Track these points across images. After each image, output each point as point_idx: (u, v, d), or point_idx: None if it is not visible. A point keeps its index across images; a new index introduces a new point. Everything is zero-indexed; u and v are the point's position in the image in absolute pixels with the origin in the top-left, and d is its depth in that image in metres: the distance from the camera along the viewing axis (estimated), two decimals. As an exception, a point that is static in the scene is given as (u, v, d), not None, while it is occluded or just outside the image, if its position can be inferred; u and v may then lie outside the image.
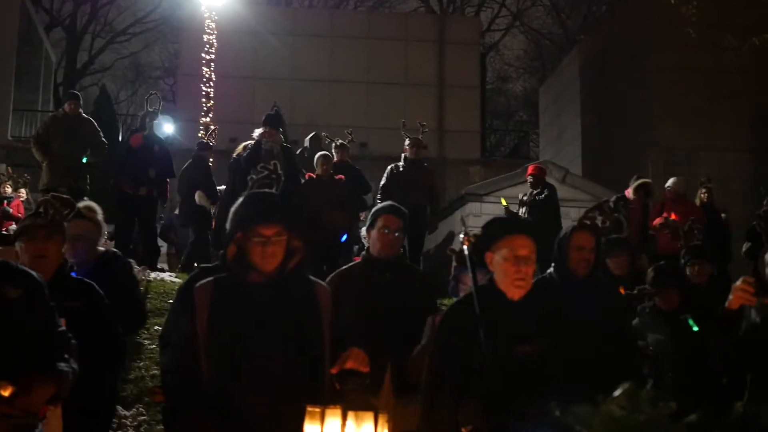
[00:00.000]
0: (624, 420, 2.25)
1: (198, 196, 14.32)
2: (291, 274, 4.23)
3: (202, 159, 15.10)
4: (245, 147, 12.67)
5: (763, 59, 22.18)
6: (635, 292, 7.07)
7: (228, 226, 4.29)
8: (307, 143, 15.79)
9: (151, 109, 13.98)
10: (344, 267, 6.47)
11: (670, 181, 13.12)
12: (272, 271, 4.17)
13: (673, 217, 12.35)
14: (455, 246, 6.66)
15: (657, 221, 12.48)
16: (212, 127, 18.82)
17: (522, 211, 13.32)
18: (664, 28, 24.49)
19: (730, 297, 4.90)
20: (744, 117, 24.38)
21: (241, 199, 4.35)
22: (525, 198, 13.55)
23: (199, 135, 19.37)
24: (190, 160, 14.88)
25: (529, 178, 13.74)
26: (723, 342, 5.02)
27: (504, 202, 13.08)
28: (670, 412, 2.43)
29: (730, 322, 4.94)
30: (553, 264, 6.16)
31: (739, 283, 4.88)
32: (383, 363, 5.88)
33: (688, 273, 7.76)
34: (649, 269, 7.31)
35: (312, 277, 4.41)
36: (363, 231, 7.51)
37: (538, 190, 13.48)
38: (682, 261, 8.03)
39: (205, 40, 21.51)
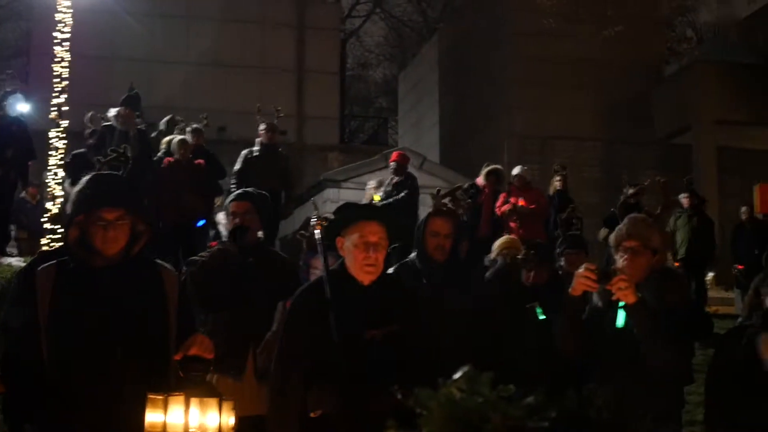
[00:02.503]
0: (462, 402, 2.28)
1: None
2: (136, 258, 4.15)
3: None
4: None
5: (616, 51, 22.88)
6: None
7: (69, 208, 4.19)
8: (162, 126, 15.53)
9: (8, 90, 13.61)
10: (203, 253, 6.39)
11: (516, 169, 13.36)
12: (115, 255, 4.08)
13: (520, 203, 12.60)
14: (307, 230, 6.66)
15: (505, 208, 12.70)
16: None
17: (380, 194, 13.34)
18: (522, 18, 25.00)
19: (573, 283, 5.02)
20: (597, 107, 25.09)
21: (83, 182, 4.23)
22: (387, 186, 13.54)
23: (51, 116, 18.80)
24: None
25: (392, 165, 13.73)
26: (565, 326, 5.15)
27: (377, 198, 13.03)
28: (509, 394, 2.49)
29: (573, 307, 5.07)
30: (415, 250, 6.25)
31: (581, 270, 5.01)
32: (246, 347, 5.88)
33: (563, 262, 7.67)
34: (526, 246, 7.30)
35: (158, 261, 4.33)
36: (219, 216, 7.46)
37: (401, 177, 13.49)
38: (558, 250, 7.98)
39: (58, 18, 20.88)
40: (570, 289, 5.04)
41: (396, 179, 13.36)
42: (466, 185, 13.12)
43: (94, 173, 4.58)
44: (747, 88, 22.90)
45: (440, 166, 22.11)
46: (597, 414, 2.83)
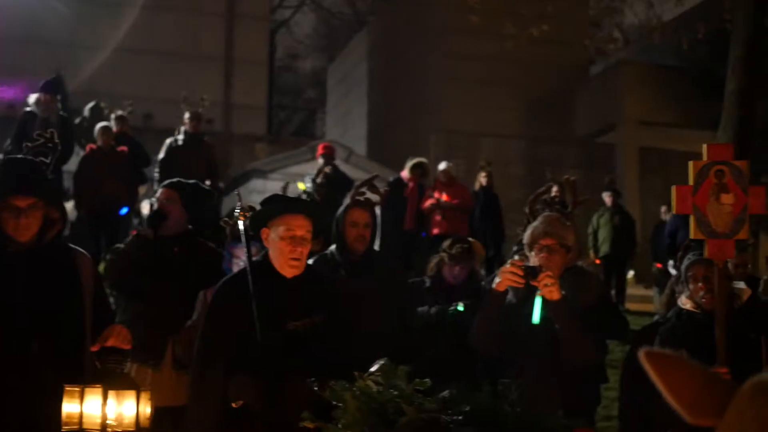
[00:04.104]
0: (378, 395, 2.32)
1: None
2: (50, 244, 4.11)
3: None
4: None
5: (542, 49, 23.09)
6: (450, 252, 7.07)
7: None
8: (86, 113, 15.31)
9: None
10: (126, 242, 6.32)
11: (441, 165, 13.42)
12: (27, 242, 4.04)
13: (444, 198, 12.66)
14: (230, 219, 6.61)
15: (428, 203, 12.76)
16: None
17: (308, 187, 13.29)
18: (450, 15, 25.11)
19: (498, 279, 5.07)
20: (522, 104, 25.35)
21: None
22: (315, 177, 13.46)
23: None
24: None
25: (321, 159, 13.64)
26: (485, 321, 5.20)
27: (302, 187, 12.96)
28: (425, 387, 2.53)
29: (495, 303, 5.12)
30: (334, 242, 6.25)
31: (507, 266, 5.07)
32: (165, 336, 5.84)
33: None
34: (453, 241, 7.29)
35: (73, 246, 4.29)
36: (143, 204, 7.38)
37: (330, 169, 13.40)
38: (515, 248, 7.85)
39: (-26, -1, 20.48)
40: (494, 285, 5.09)
41: (326, 171, 13.27)
42: (390, 179, 13.18)
43: (6, 158, 4.52)
44: (670, 91, 23.31)
45: (367, 159, 22.16)
46: (510, 408, 2.89)
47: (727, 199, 4.92)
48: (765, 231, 20.92)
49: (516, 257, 6.43)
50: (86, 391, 3.49)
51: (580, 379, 5.18)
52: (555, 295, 4.91)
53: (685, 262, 5.25)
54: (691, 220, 5.02)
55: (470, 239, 8.28)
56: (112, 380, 3.61)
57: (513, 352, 5.08)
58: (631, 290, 16.12)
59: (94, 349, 3.89)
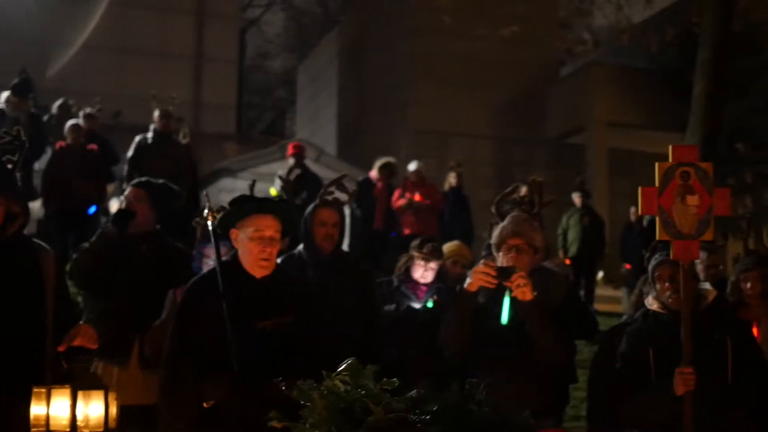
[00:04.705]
0: (345, 394, 2.33)
1: None
2: (11, 239, 4.07)
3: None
4: None
5: (512, 50, 23.21)
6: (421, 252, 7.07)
7: None
8: (55, 110, 15.21)
9: None
10: (92, 241, 6.28)
11: (412, 165, 13.42)
12: None
13: (416, 198, 12.67)
14: (200, 219, 6.60)
15: (401, 202, 12.75)
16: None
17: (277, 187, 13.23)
18: (421, 15, 25.17)
19: (469, 279, 5.08)
20: (493, 105, 25.43)
21: None
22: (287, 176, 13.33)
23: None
24: None
25: (291, 158, 13.56)
26: (454, 321, 5.22)
27: (273, 192, 12.89)
28: (393, 387, 2.54)
29: (467, 302, 5.13)
30: (302, 242, 6.25)
31: (480, 266, 5.09)
32: (133, 335, 5.82)
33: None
34: (422, 240, 7.30)
35: (36, 241, 4.26)
36: (111, 203, 7.35)
37: (299, 170, 13.31)
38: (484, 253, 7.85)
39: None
40: (466, 285, 5.10)
41: (296, 171, 13.17)
42: (360, 179, 13.17)
43: None
44: (639, 92, 23.46)
45: (337, 159, 22.14)
46: (478, 408, 2.91)
47: (692, 200, 4.96)
48: (732, 233, 21.10)
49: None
50: (53, 391, 3.46)
51: (549, 380, 5.20)
52: (528, 295, 4.93)
53: (652, 262, 5.29)
54: (657, 221, 5.06)
55: (458, 243, 8.33)
56: (78, 380, 3.58)
57: (482, 352, 5.09)
58: (600, 291, 16.22)
59: (61, 349, 3.86)
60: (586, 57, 29.58)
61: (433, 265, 6.96)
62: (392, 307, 6.83)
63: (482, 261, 5.22)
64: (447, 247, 7.98)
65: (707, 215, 4.97)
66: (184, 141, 13.63)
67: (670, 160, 5.04)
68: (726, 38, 15.55)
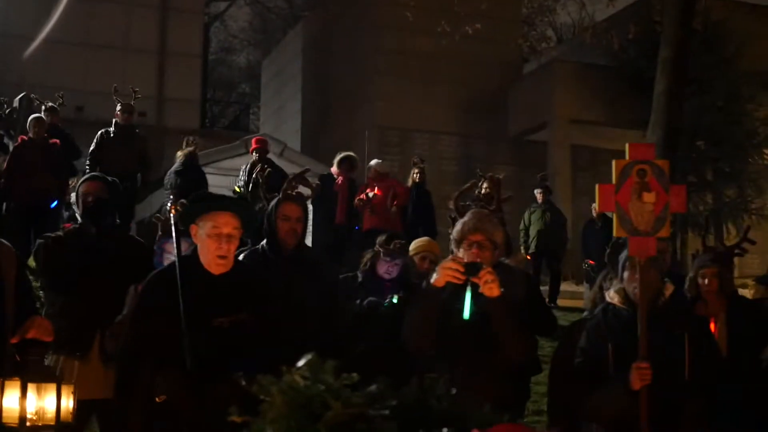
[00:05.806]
0: (304, 390, 2.34)
1: None
2: None
3: None
4: None
5: (475, 47, 23.26)
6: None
7: None
8: (16, 104, 15.12)
9: None
10: (59, 234, 6.24)
11: (372, 162, 13.46)
12: None
13: (377, 193, 12.69)
14: (161, 215, 6.59)
15: (359, 198, 12.76)
16: None
17: (240, 183, 13.23)
18: (385, 11, 25.19)
19: (436, 275, 5.06)
20: (456, 101, 25.49)
21: None
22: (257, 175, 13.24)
23: None
24: None
25: (254, 153, 13.50)
26: (418, 317, 5.21)
27: (237, 189, 12.85)
28: (352, 382, 2.56)
29: (432, 298, 5.11)
30: (264, 237, 6.24)
31: (447, 262, 5.08)
32: (94, 329, 5.80)
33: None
34: (388, 236, 7.32)
35: None
36: (73, 197, 7.31)
37: (264, 164, 13.25)
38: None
39: None
40: (432, 280, 5.08)
41: (263, 166, 13.10)
42: (327, 172, 13.17)
43: None
44: (601, 90, 23.58)
45: (300, 154, 22.08)
46: (437, 403, 2.93)
47: (648, 197, 5.02)
48: (692, 229, 21.32)
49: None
50: (5, 384, 3.45)
51: (510, 375, 5.23)
52: (495, 291, 4.90)
53: (624, 253, 5.32)
54: (614, 217, 5.12)
55: (427, 239, 8.35)
56: (31, 373, 3.57)
57: (443, 347, 5.10)
58: (562, 286, 16.31)
59: (14, 341, 3.84)
60: (548, 54, 29.74)
61: (398, 261, 6.99)
62: (356, 302, 6.84)
63: (450, 257, 5.21)
64: (416, 242, 8.01)
65: (663, 212, 5.03)
66: (189, 149, 13.61)
67: (627, 157, 5.10)
68: (687, 37, 15.70)
